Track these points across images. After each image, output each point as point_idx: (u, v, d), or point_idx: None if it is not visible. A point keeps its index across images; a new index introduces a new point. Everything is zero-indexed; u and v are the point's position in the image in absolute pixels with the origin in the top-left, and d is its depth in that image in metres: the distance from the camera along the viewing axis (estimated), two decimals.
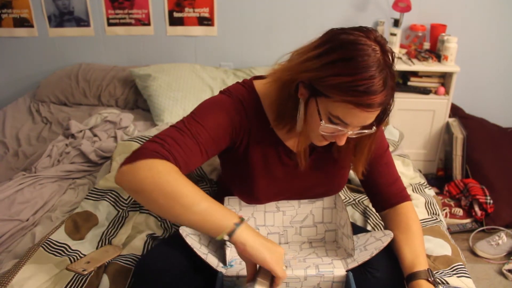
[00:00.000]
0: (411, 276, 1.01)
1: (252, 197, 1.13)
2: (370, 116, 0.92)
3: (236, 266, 1.07)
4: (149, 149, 0.92)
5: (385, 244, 1.04)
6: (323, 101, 0.91)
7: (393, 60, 0.91)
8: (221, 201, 1.14)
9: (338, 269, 1.04)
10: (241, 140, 1.08)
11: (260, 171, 1.10)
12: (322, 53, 0.89)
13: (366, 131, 0.96)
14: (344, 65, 0.86)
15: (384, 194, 1.17)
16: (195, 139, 0.97)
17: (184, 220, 0.89)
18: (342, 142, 0.97)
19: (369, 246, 1.07)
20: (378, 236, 1.09)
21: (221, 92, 1.09)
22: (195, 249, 1.02)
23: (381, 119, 0.98)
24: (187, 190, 0.89)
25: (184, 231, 1.08)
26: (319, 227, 1.20)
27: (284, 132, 1.08)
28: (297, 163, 1.11)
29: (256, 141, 1.08)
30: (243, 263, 1.06)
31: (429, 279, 0.99)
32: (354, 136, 0.97)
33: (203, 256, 1.02)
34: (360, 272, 1.04)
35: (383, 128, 1.20)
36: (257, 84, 1.09)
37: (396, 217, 1.14)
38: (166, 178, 0.88)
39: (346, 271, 1.03)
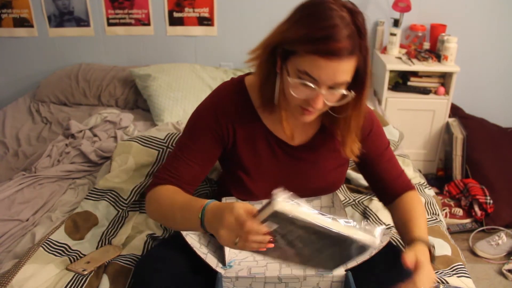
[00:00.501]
0: (412, 238, 1.03)
1: (248, 193, 1.14)
2: (337, 69, 0.88)
3: (235, 266, 1.07)
4: (150, 184, 1.12)
5: (384, 244, 1.04)
6: (291, 61, 0.92)
7: (363, 20, 0.91)
8: (219, 200, 1.16)
9: (337, 268, 1.04)
10: (228, 140, 1.10)
11: (252, 165, 1.12)
12: (290, 16, 0.93)
13: (342, 91, 0.93)
14: (307, 20, 0.89)
15: (392, 189, 1.19)
16: (186, 160, 1.09)
17: (181, 229, 1.06)
18: (318, 104, 0.93)
19: None
20: None
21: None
22: (194, 249, 1.03)
23: (360, 85, 0.95)
24: (165, 208, 1.04)
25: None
26: None
27: (272, 120, 1.09)
28: (291, 156, 1.12)
29: (244, 136, 1.10)
30: (242, 263, 1.07)
31: (430, 248, 1.00)
32: (332, 103, 0.95)
33: (202, 256, 1.02)
34: (358, 270, 1.04)
35: (382, 127, 1.20)
36: (248, 77, 1.12)
37: (403, 206, 1.16)
38: (155, 206, 1.08)
39: (345, 270, 1.03)
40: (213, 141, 1.09)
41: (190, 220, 0.95)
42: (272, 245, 0.82)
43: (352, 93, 0.95)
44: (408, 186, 1.20)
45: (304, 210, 0.78)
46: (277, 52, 0.95)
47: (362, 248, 0.83)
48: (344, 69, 0.90)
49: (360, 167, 1.22)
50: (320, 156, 1.14)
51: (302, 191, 1.17)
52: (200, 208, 0.91)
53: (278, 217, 0.77)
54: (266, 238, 0.81)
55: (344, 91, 0.94)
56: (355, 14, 0.89)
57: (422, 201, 1.57)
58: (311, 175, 1.15)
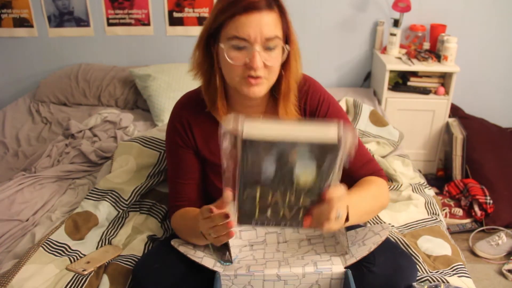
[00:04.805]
0: None
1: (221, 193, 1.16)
2: (260, 21, 0.94)
3: (234, 265, 1.07)
4: (169, 215, 1.21)
5: (383, 238, 1.03)
6: (221, 37, 0.98)
7: None
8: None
9: (337, 266, 1.03)
10: (192, 143, 1.15)
11: (219, 164, 1.12)
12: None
13: (277, 45, 0.98)
14: None
15: (357, 177, 1.13)
16: (183, 181, 1.16)
17: (203, 242, 1.06)
18: (256, 63, 0.95)
19: (367, 241, 1.07)
20: (376, 230, 1.09)
21: None
22: (189, 255, 1.04)
23: (288, 44, 1.01)
24: (185, 231, 1.11)
25: (176, 242, 1.10)
26: None
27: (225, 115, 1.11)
28: None
29: (202, 135, 1.14)
30: (241, 261, 1.07)
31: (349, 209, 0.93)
32: (271, 63, 0.98)
33: (198, 260, 1.03)
34: (356, 267, 1.03)
35: (341, 107, 1.18)
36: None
37: (358, 182, 1.11)
38: (180, 232, 1.15)
39: (345, 267, 1.03)
40: (188, 152, 1.15)
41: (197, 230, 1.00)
42: (233, 234, 0.89)
43: (288, 47, 1.00)
44: (375, 172, 1.14)
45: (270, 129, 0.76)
46: (210, 45, 1.00)
47: (325, 149, 0.78)
48: (268, 21, 0.95)
49: None
50: None
51: None
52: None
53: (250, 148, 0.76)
54: (226, 225, 0.87)
55: (279, 46, 0.98)
56: None
57: (423, 201, 1.57)
58: None
